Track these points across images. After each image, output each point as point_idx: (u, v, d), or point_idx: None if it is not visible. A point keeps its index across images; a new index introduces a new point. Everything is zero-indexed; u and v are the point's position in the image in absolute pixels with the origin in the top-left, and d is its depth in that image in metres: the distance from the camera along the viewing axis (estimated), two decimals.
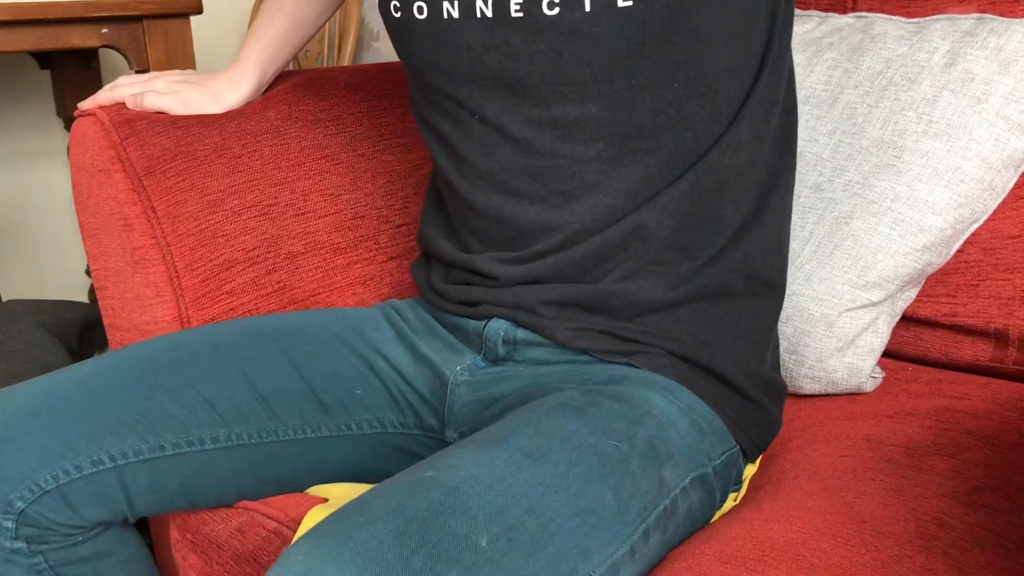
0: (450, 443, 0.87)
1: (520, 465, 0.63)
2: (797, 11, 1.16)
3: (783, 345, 0.97)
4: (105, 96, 1.05)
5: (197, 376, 0.82)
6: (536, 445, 0.65)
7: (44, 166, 2.27)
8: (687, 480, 0.72)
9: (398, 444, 0.89)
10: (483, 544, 0.57)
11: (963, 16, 1.00)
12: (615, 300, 0.79)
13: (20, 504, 0.76)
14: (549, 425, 0.68)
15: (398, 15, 0.80)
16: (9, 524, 0.76)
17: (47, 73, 2.15)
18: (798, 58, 1.08)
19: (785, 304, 0.97)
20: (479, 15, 0.74)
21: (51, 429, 0.77)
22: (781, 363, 0.97)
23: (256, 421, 0.83)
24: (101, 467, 0.77)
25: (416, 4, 0.77)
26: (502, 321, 0.82)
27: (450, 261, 0.87)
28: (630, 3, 0.70)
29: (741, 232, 0.80)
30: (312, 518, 0.79)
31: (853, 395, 0.97)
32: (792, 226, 1.00)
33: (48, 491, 0.76)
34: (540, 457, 0.64)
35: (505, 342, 0.82)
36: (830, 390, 0.97)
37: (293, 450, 0.85)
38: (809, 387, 0.97)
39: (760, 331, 0.84)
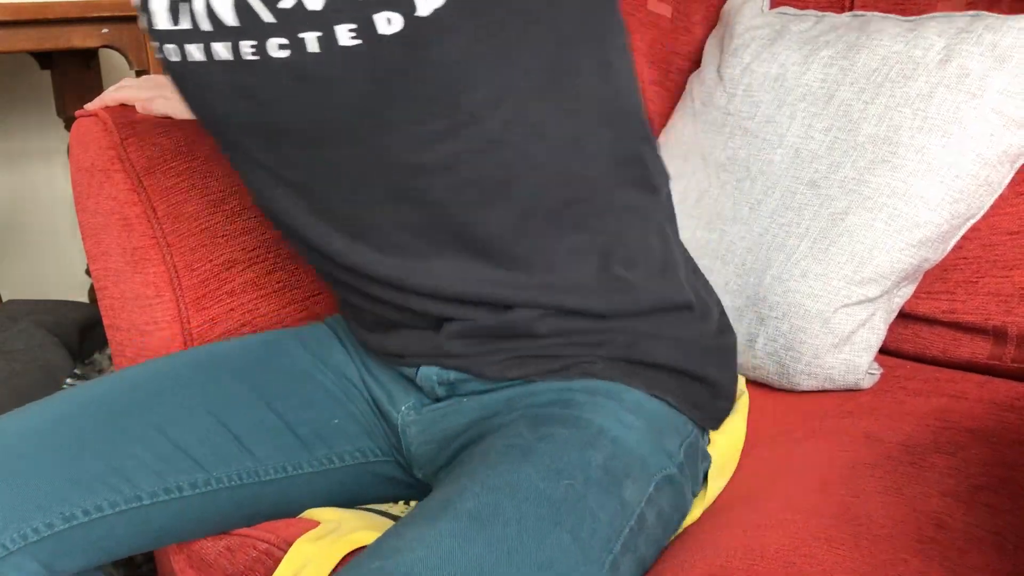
0: (422, 480, 0.86)
1: (467, 535, 0.61)
2: (794, 10, 1.16)
3: (778, 341, 0.97)
4: (111, 97, 1.04)
5: (165, 419, 0.79)
6: (483, 506, 0.63)
7: (44, 166, 2.27)
8: (651, 488, 0.71)
9: (381, 472, 0.88)
10: None
11: (958, 13, 1.00)
12: (523, 327, 0.76)
13: None
14: (496, 479, 0.65)
15: (159, 56, 0.73)
16: None
17: (47, 73, 2.15)
18: (794, 56, 1.09)
19: (780, 300, 0.98)
20: (218, 58, 0.68)
21: (13, 490, 0.73)
22: (778, 359, 0.98)
23: (234, 462, 0.81)
24: (75, 522, 0.74)
25: (169, 46, 0.70)
26: (431, 367, 0.80)
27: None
28: (359, 41, 0.63)
29: (608, 246, 0.76)
30: (299, 547, 0.78)
31: (851, 391, 0.97)
32: (788, 222, 1.01)
33: (14, 551, 0.72)
34: (488, 519, 0.62)
35: (441, 383, 0.80)
36: (827, 386, 0.97)
37: (275, 488, 0.83)
38: (806, 383, 0.97)
39: (701, 303, 0.81)
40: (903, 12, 1.07)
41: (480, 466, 0.68)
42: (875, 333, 0.96)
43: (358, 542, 0.78)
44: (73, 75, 2.08)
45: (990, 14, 0.98)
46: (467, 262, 0.74)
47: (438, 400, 0.82)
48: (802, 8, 1.17)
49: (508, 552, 0.60)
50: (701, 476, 0.80)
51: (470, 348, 0.77)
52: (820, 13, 1.12)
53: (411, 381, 0.83)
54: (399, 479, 0.88)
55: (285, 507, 0.85)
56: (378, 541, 0.63)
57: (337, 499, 0.87)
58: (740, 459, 0.86)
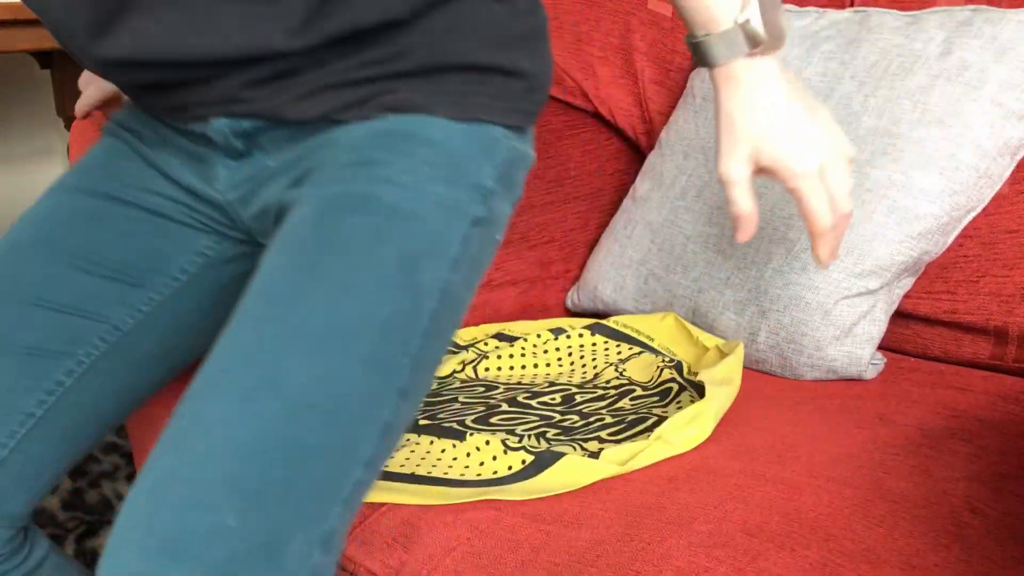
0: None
1: (252, 400, 0.59)
2: (796, 7, 1.16)
3: (780, 334, 0.97)
4: (81, 112, 1.00)
5: (2, 331, 0.76)
6: (262, 371, 0.60)
7: (44, 166, 2.28)
8: (456, 246, 0.68)
9: (236, 268, 0.84)
10: (232, 524, 0.56)
11: (959, 7, 1.00)
12: (313, 56, 0.69)
13: None
14: (280, 320, 0.62)
15: None
16: None
17: (47, 73, 2.16)
18: (795, 51, 1.09)
19: (781, 293, 0.98)
20: None
21: None
22: (780, 352, 0.98)
23: (87, 332, 0.78)
24: None
25: None
26: (221, 119, 0.73)
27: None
28: None
29: None
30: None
31: (855, 381, 0.97)
32: (789, 215, 1.01)
33: None
34: (270, 385, 0.59)
35: (237, 136, 0.74)
36: (831, 378, 0.97)
37: (142, 335, 0.81)
38: (809, 375, 0.97)
39: None
40: (904, 8, 1.07)
41: (258, 302, 0.64)
42: (876, 325, 0.96)
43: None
44: (73, 75, 2.08)
45: (990, 7, 0.98)
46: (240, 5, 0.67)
47: (242, 158, 0.76)
48: (803, 5, 1.17)
49: (295, 414, 0.59)
50: (521, 181, 0.76)
51: (260, 92, 0.71)
52: (821, 9, 1.12)
53: (208, 144, 0.77)
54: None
55: (165, 347, 0.83)
56: (171, 424, 0.60)
57: (214, 315, 0.84)
58: (753, 413, 0.87)
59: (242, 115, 0.73)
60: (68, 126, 2.19)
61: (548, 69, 0.78)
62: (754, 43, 0.74)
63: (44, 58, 2.11)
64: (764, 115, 0.77)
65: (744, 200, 0.79)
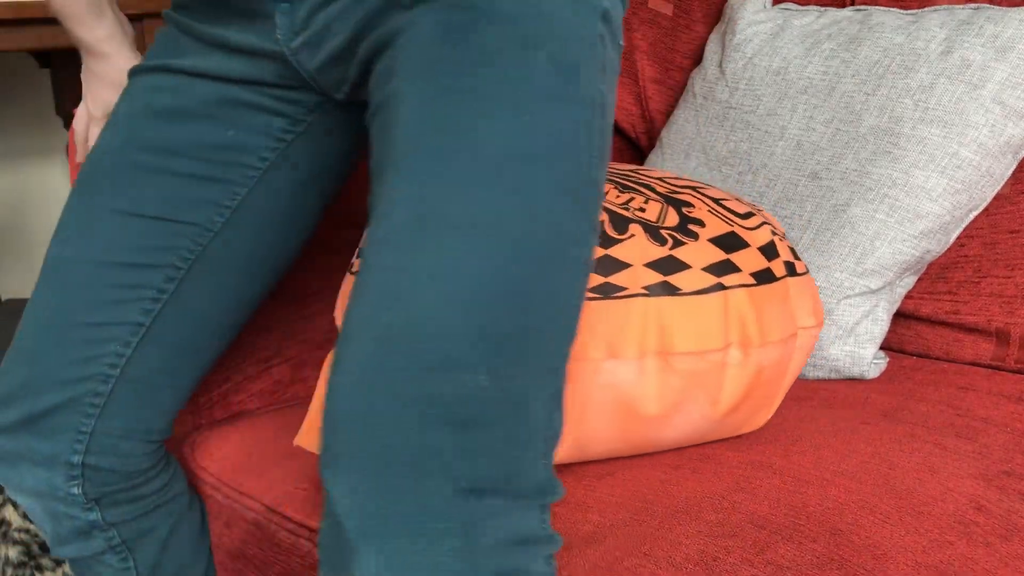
0: (343, 100, 0.79)
1: (462, 250, 0.54)
2: (796, 5, 1.16)
3: None
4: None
5: (98, 247, 0.78)
6: (468, 211, 0.54)
7: (44, 165, 2.27)
8: (598, 47, 0.61)
9: (309, 143, 0.82)
10: (484, 383, 0.52)
11: (960, 6, 1.00)
12: None
13: (77, 458, 0.77)
14: (459, 152, 0.56)
15: None
16: (76, 490, 0.78)
17: (47, 72, 2.15)
18: (796, 49, 1.09)
19: None
20: None
21: (49, 385, 0.76)
22: None
23: (178, 237, 0.79)
24: (112, 380, 0.77)
25: None
26: None
27: None
28: None
29: None
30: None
31: (858, 380, 0.97)
32: (790, 215, 1.01)
33: (92, 432, 0.77)
34: (478, 226, 0.54)
35: None
36: (833, 377, 0.97)
37: (236, 233, 0.81)
38: (812, 374, 0.97)
39: None
40: (904, 7, 1.07)
41: (427, 127, 0.58)
42: (878, 324, 0.96)
43: None
44: (72, 74, 2.07)
45: (991, 6, 0.98)
46: None
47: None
48: (804, 4, 1.17)
49: (515, 254, 0.54)
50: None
51: None
52: (822, 8, 1.12)
53: (267, 3, 0.74)
54: (333, 129, 0.82)
55: (268, 239, 0.83)
56: (373, 280, 0.55)
57: (299, 193, 0.83)
58: None
59: None
60: (67, 125, 2.18)
61: None
62: None
63: (43, 57, 2.11)
64: None
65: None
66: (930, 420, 0.83)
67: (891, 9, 1.05)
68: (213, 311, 0.82)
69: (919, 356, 1.04)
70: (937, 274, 1.01)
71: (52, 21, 1.56)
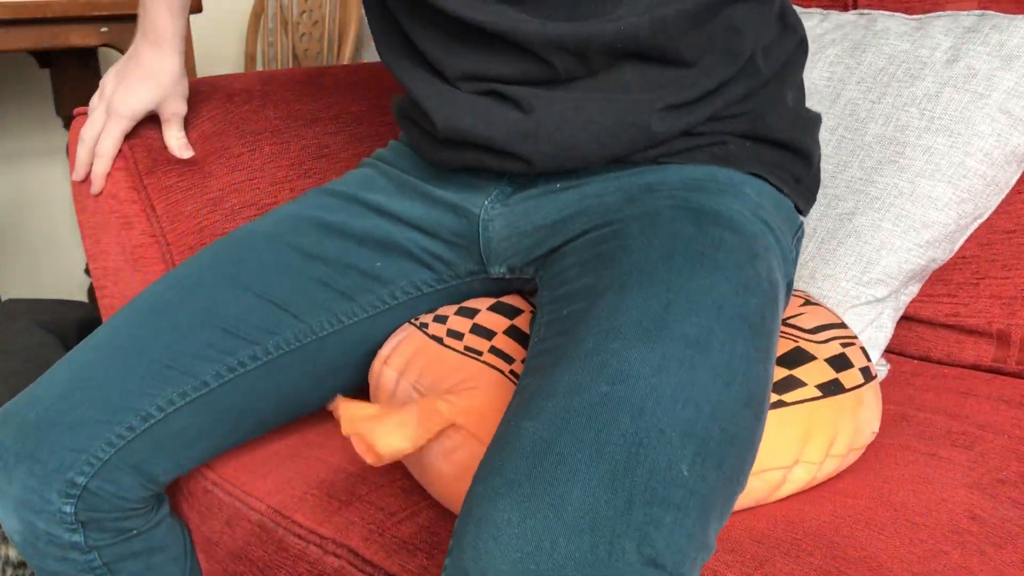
0: (497, 279, 0.84)
1: (692, 361, 0.58)
2: (797, 8, 1.15)
3: None
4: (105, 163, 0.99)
5: (209, 306, 0.80)
6: (700, 330, 0.60)
7: (44, 165, 2.27)
8: (782, 291, 0.70)
9: (438, 301, 0.87)
10: (685, 474, 0.54)
11: (965, 13, 1.00)
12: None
13: (81, 479, 0.76)
14: (699, 297, 0.62)
15: None
16: (68, 509, 0.76)
17: (47, 72, 2.15)
18: None
19: None
20: None
21: (91, 401, 0.76)
22: None
23: (285, 328, 0.81)
24: (152, 420, 0.77)
25: None
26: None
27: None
28: None
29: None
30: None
31: None
32: None
33: (107, 460, 0.76)
34: (705, 345, 0.59)
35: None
36: None
37: (333, 342, 0.84)
38: None
39: (791, 65, 0.80)
40: (907, 11, 1.07)
41: (664, 269, 0.64)
42: (883, 331, 0.96)
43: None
44: (72, 74, 2.07)
45: (997, 13, 0.97)
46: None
47: (525, 187, 0.79)
48: (806, 7, 1.16)
49: (727, 384, 0.59)
50: (796, 260, 0.80)
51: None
52: (825, 11, 1.12)
53: (488, 178, 0.81)
54: (458, 302, 0.86)
55: (347, 360, 0.86)
56: (595, 360, 0.59)
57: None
58: None
59: None
60: (67, 125, 2.18)
61: (818, 155, 0.83)
62: None
63: (43, 57, 2.11)
64: None
65: None
66: (926, 430, 0.83)
67: (896, 14, 1.05)
68: (273, 403, 0.84)
69: (920, 359, 1.03)
70: (936, 276, 1.01)
71: (52, 21, 1.55)
